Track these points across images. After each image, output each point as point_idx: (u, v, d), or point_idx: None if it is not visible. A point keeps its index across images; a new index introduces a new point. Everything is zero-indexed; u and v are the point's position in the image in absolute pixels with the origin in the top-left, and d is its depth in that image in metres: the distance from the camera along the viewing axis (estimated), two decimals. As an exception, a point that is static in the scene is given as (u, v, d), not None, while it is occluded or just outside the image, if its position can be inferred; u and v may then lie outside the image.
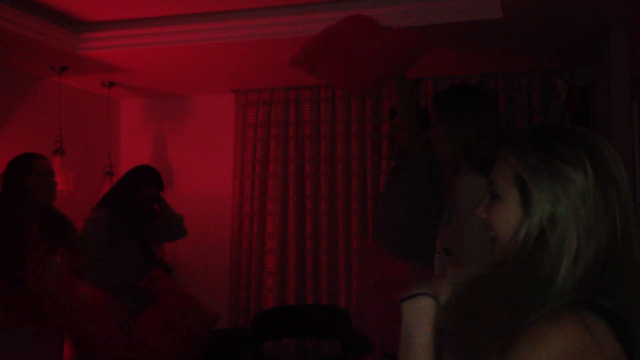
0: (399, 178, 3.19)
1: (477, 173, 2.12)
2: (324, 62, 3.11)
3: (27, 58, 3.98)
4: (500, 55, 4.07)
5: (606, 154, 1.09)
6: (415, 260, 3.13)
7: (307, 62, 3.13)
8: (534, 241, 1.07)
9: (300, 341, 4.66)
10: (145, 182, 3.44)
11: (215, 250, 4.98)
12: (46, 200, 2.93)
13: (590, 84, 4.04)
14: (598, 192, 1.06)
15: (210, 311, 3.43)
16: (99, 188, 4.62)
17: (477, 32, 3.58)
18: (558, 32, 3.57)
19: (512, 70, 4.43)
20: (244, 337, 4.34)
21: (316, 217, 4.79)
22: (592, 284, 1.03)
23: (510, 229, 1.11)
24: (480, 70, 4.46)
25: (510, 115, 4.45)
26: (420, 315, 1.12)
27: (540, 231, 1.07)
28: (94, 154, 4.79)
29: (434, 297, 1.13)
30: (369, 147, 4.67)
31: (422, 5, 3.40)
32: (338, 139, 4.78)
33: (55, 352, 2.94)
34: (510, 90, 4.46)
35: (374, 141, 4.68)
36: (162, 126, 5.26)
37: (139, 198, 3.41)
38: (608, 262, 1.05)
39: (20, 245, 2.81)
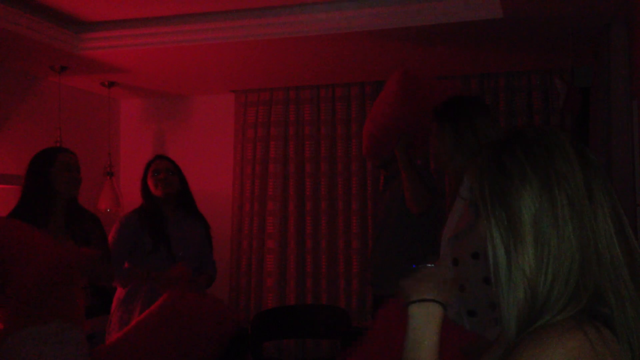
0: (392, 186, 3.44)
1: None
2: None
3: (27, 58, 3.98)
4: (500, 55, 4.07)
5: (556, 152, 1.05)
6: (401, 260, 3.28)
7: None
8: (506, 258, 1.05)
9: (300, 341, 4.66)
10: (148, 166, 3.58)
11: (215, 251, 4.97)
12: (67, 194, 2.94)
13: (590, 84, 4.04)
14: (548, 201, 1.03)
15: (234, 314, 3.48)
16: (99, 188, 4.62)
17: (477, 32, 3.58)
18: (558, 31, 3.57)
19: (512, 70, 4.43)
20: (244, 337, 4.34)
21: (316, 217, 4.79)
22: (585, 294, 1.01)
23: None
24: (480, 70, 4.46)
25: (510, 115, 4.45)
26: (430, 321, 1.09)
27: (506, 249, 1.05)
28: (94, 154, 4.79)
29: (444, 305, 1.10)
30: (369, 147, 4.67)
31: (422, 5, 3.40)
32: (338, 139, 4.78)
33: (81, 346, 2.93)
34: (510, 90, 4.46)
35: (374, 141, 4.68)
36: (162, 126, 5.25)
37: (151, 182, 3.52)
38: (587, 269, 1.02)
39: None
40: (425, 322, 1.09)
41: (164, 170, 3.51)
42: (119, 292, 3.43)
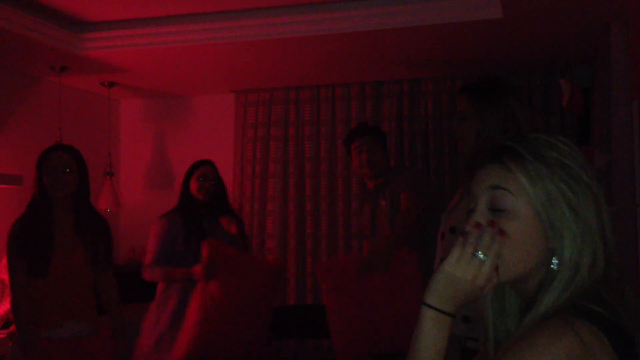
0: (385, 194, 3.51)
1: None
2: None
3: (27, 58, 3.98)
4: (500, 55, 4.07)
5: (583, 158, 1.10)
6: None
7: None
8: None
9: (300, 341, 4.66)
10: (193, 168, 3.61)
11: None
12: (55, 195, 2.92)
13: (590, 84, 4.04)
14: (592, 198, 1.07)
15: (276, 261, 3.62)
16: (99, 188, 4.62)
17: (477, 32, 3.58)
18: (558, 32, 3.56)
19: (512, 70, 4.43)
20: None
21: (316, 217, 4.79)
22: (590, 291, 1.02)
23: (524, 244, 1.07)
24: (479, 71, 4.46)
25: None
26: (442, 332, 1.08)
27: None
28: (94, 154, 4.78)
29: (454, 317, 1.10)
30: (369, 147, 4.66)
31: (422, 5, 3.40)
32: (338, 139, 4.78)
33: (99, 352, 2.94)
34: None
35: (374, 141, 4.68)
36: (162, 126, 5.25)
37: (194, 183, 3.55)
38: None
39: (44, 239, 2.83)
40: (437, 330, 1.09)
41: (210, 179, 3.57)
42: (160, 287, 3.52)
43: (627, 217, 3.03)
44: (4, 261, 2.98)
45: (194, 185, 3.57)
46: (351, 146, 3.53)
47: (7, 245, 2.86)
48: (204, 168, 3.62)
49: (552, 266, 1.06)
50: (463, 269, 1.05)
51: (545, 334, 0.97)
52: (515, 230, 1.06)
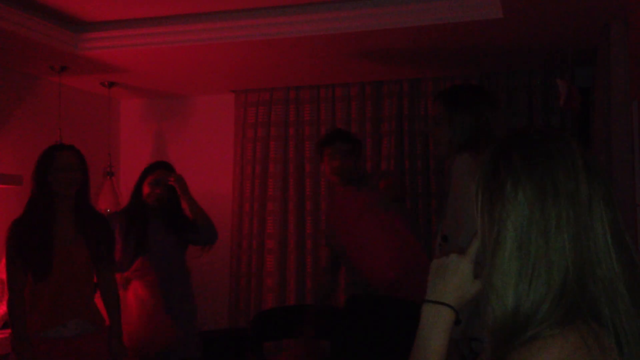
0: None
1: (464, 154, 2.19)
2: None
3: (27, 58, 3.97)
4: (500, 55, 4.07)
5: (559, 161, 1.01)
6: None
7: None
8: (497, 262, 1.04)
9: (300, 341, 4.65)
10: (148, 171, 3.61)
11: (215, 251, 4.96)
12: (65, 194, 2.92)
13: (590, 84, 4.04)
14: (540, 211, 1.00)
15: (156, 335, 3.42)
16: (99, 188, 4.62)
17: (477, 32, 3.58)
18: (558, 32, 3.57)
19: (512, 70, 4.43)
20: (244, 337, 4.33)
21: (316, 217, 4.78)
22: (579, 311, 0.98)
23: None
24: (480, 70, 4.46)
25: (510, 115, 4.44)
26: (440, 324, 1.09)
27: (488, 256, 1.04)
28: (94, 154, 4.78)
29: (456, 310, 1.10)
30: (369, 147, 4.67)
31: (422, 5, 3.40)
32: (338, 139, 4.78)
33: (101, 343, 2.95)
34: (510, 90, 4.46)
35: (373, 141, 4.68)
36: (162, 126, 5.25)
37: (146, 188, 3.55)
38: (583, 284, 0.99)
39: (46, 239, 2.83)
40: (435, 324, 1.10)
41: (163, 186, 3.56)
42: None
43: (627, 217, 3.03)
44: (4, 261, 2.98)
45: (145, 190, 3.54)
46: (324, 151, 3.53)
47: (6, 244, 2.86)
48: (158, 172, 3.57)
49: None
50: (447, 255, 1.13)
51: (551, 336, 0.96)
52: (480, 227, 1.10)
